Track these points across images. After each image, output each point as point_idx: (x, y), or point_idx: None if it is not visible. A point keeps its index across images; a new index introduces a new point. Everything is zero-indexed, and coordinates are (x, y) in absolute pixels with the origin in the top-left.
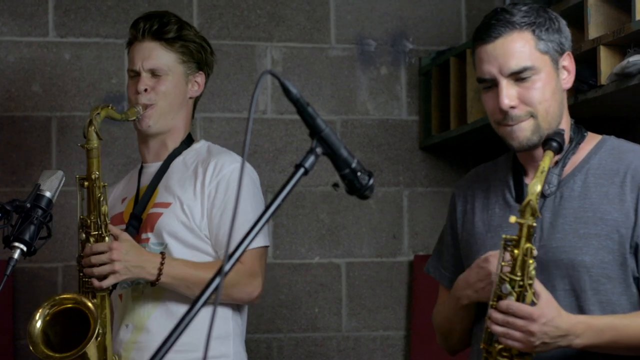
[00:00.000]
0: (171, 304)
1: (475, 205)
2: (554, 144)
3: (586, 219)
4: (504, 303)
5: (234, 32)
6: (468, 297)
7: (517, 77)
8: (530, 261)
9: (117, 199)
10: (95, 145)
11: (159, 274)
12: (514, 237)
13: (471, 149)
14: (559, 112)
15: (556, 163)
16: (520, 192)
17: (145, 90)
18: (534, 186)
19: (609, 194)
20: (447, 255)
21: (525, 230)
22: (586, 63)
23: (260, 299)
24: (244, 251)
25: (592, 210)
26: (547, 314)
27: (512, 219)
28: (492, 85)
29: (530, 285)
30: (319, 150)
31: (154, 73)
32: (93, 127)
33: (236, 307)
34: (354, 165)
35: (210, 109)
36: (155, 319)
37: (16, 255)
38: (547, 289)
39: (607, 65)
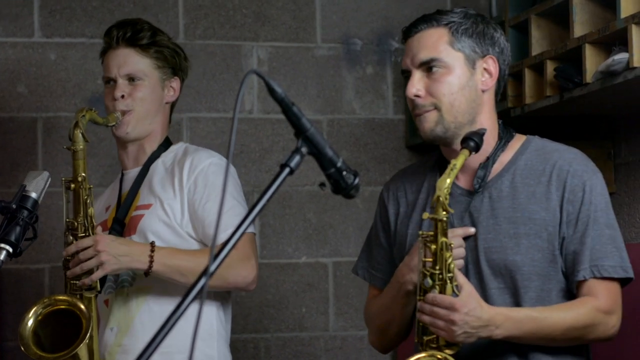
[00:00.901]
0: (155, 305)
1: (407, 206)
2: (471, 144)
3: (516, 219)
4: (429, 295)
5: (220, 32)
6: (412, 281)
7: (426, 68)
8: (448, 254)
9: (101, 209)
10: (81, 147)
11: (151, 262)
12: (430, 232)
13: None
14: (467, 109)
15: (487, 159)
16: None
17: (123, 96)
18: (443, 182)
19: (536, 193)
20: (378, 256)
21: (439, 225)
22: (571, 61)
23: (247, 299)
24: (231, 236)
25: (521, 210)
26: (469, 304)
27: (425, 215)
28: (408, 77)
29: (451, 278)
30: (304, 149)
31: (130, 79)
32: (79, 129)
33: (220, 305)
34: (339, 164)
35: (197, 109)
36: (140, 321)
37: (2, 256)
38: (482, 287)
39: (592, 63)
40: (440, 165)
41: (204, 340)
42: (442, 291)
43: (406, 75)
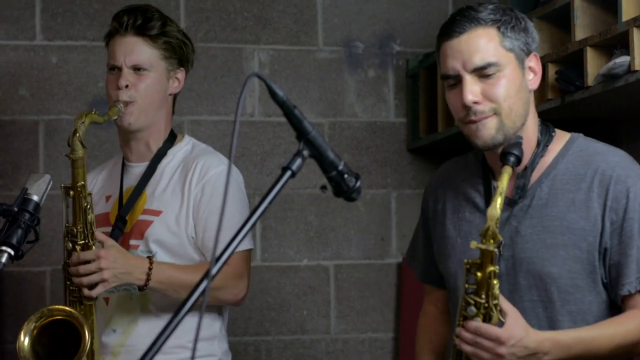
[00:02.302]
0: (159, 310)
1: (446, 207)
2: (512, 159)
3: (553, 228)
4: (472, 324)
5: (221, 35)
6: None
7: (481, 73)
8: (495, 282)
9: (99, 195)
10: (81, 155)
11: (148, 279)
12: (477, 260)
13: (459, 151)
14: (523, 112)
15: (525, 168)
16: (489, 197)
17: (127, 86)
18: (493, 210)
19: (576, 200)
20: (418, 250)
21: (487, 255)
22: (573, 64)
23: (249, 302)
24: (231, 254)
25: (559, 219)
26: (515, 335)
27: (473, 244)
28: (456, 82)
29: (496, 305)
30: (305, 152)
31: (136, 69)
32: (78, 136)
33: (220, 309)
34: (340, 167)
35: (198, 112)
36: (143, 325)
37: (3, 259)
38: (515, 299)
39: (593, 66)
40: (484, 166)
41: (206, 340)
42: (487, 320)
43: (453, 81)
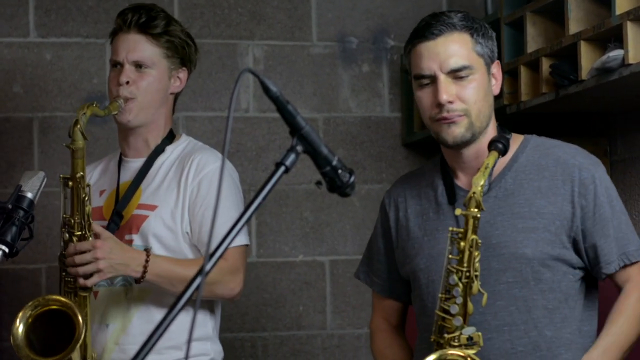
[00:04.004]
0: (154, 307)
1: (408, 213)
2: (500, 145)
3: (523, 214)
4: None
5: (215, 30)
6: None
7: (455, 75)
8: (476, 253)
9: (93, 189)
10: (81, 145)
11: (144, 272)
12: (461, 229)
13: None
14: (488, 113)
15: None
16: (452, 194)
17: (127, 82)
18: (478, 180)
19: (541, 188)
20: (378, 263)
21: (470, 221)
22: (567, 58)
23: (245, 298)
24: (226, 249)
25: (528, 205)
26: None
27: (458, 211)
28: (430, 82)
29: (477, 276)
30: (299, 148)
31: (137, 66)
32: (79, 127)
33: (212, 308)
34: (334, 162)
35: (193, 108)
36: (138, 321)
37: None
38: (490, 282)
39: (587, 60)
40: (443, 168)
41: (199, 340)
42: (468, 289)
43: (427, 81)
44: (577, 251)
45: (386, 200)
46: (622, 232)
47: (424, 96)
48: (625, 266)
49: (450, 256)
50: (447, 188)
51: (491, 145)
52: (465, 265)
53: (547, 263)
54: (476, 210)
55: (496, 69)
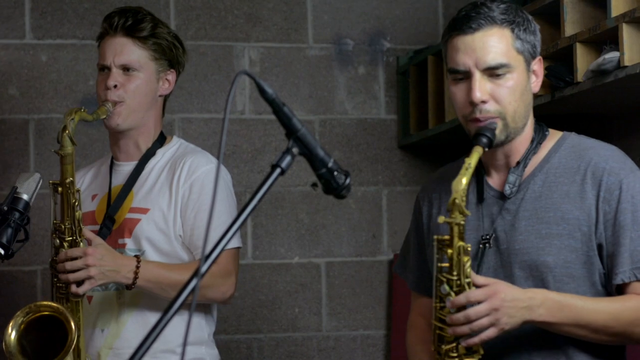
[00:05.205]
0: (149, 311)
1: (440, 209)
2: (484, 140)
3: (547, 219)
4: (460, 297)
5: (212, 32)
6: None
7: (492, 72)
8: (465, 259)
9: (85, 194)
10: (70, 151)
11: (135, 278)
12: (446, 237)
13: (449, 148)
14: (525, 113)
15: (517, 164)
16: (481, 192)
17: (115, 86)
18: (458, 183)
19: (570, 192)
20: (411, 258)
21: (455, 229)
22: (562, 60)
23: (240, 300)
24: (220, 252)
25: (553, 210)
26: (502, 288)
27: (441, 219)
28: (464, 77)
29: (469, 283)
30: (295, 150)
31: (125, 69)
32: (67, 132)
33: (208, 311)
34: (330, 164)
35: (188, 110)
36: (132, 326)
37: None
38: None
39: (583, 62)
40: (478, 169)
41: (194, 344)
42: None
43: (460, 76)
44: (602, 260)
45: (420, 195)
46: None
47: (457, 92)
48: (638, 281)
49: (440, 264)
50: (477, 185)
51: (475, 139)
52: (455, 273)
53: (571, 272)
54: (460, 216)
55: (537, 65)
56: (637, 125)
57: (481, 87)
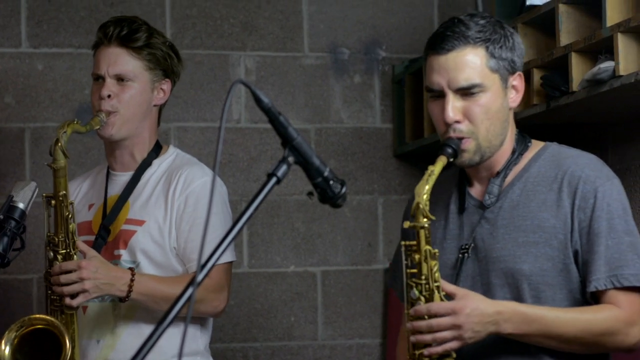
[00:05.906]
0: (144, 323)
1: (437, 217)
2: (449, 150)
3: (525, 227)
4: (422, 307)
5: (207, 41)
6: None
7: (465, 92)
8: (433, 263)
9: (82, 203)
10: (62, 164)
11: (129, 291)
12: (413, 242)
13: None
14: (500, 131)
15: (497, 173)
16: (463, 202)
17: (109, 96)
18: (421, 188)
19: (547, 200)
20: (400, 271)
21: (421, 232)
22: (558, 70)
23: (236, 308)
24: (212, 267)
25: (530, 218)
26: (469, 304)
27: (406, 224)
28: (439, 95)
29: (438, 287)
30: (291, 159)
31: (119, 79)
32: (59, 145)
33: (204, 322)
34: (326, 173)
35: (184, 119)
36: (127, 337)
37: None
38: (489, 298)
39: (578, 71)
40: (461, 175)
41: (190, 355)
42: (430, 302)
43: (436, 94)
44: (579, 269)
45: (409, 205)
46: (619, 252)
47: (434, 109)
48: (615, 289)
49: (409, 270)
50: (459, 196)
51: (440, 149)
52: (423, 278)
53: (547, 281)
54: (425, 220)
55: (518, 80)
56: (632, 134)
57: (454, 107)
